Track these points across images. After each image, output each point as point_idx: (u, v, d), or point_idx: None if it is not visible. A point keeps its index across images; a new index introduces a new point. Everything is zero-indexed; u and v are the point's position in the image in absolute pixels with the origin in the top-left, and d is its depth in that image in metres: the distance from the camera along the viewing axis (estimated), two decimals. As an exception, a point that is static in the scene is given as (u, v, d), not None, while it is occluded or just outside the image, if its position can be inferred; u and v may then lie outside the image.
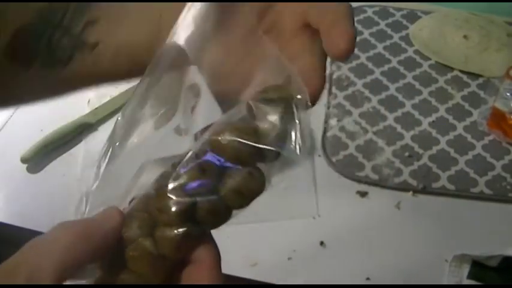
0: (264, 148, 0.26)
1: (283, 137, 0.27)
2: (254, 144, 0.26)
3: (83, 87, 0.37)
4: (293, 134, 0.27)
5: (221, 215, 0.28)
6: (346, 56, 0.31)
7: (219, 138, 0.27)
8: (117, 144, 0.30)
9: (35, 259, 0.24)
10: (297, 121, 0.27)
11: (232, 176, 0.27)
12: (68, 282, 0.25)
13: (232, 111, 0.28)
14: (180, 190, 0.26)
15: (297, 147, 0.27)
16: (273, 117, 0.27)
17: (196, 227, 0.27)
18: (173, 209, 0.26)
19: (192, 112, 0.29)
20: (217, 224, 0.28)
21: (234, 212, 0.28)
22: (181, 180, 0.27)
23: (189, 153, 0.27)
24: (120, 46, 0.34)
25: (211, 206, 0.27)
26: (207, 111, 0.29)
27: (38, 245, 0.25)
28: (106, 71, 0.35)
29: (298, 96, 0.27)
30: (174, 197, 0.26)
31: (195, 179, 0.27)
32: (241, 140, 0.26)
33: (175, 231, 0.26)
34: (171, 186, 0.27)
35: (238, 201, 0.27)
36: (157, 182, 0.28)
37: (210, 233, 0.29)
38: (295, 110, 0.27)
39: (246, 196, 0.27)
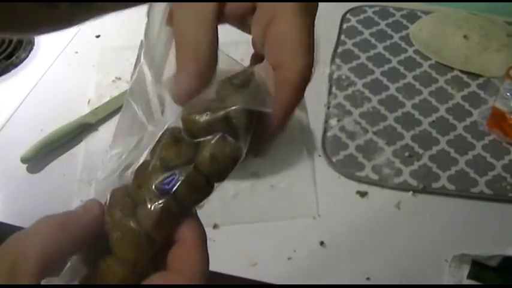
0: (231, 117, 0.27)
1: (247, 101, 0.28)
2: (222, 113, 0.27)
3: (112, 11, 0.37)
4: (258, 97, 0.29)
5: (199, 188, 0.28)
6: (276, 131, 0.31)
7: (190, 114, 0.28)
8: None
9: (18, 249, 0.25)
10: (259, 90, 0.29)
11: (205, 145, 0.27)
12: (53, 279, 0.26)
13: (202, 95, 0.29)
14: (158, 166, 0.27)
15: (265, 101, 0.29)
16: (237, 97, 0.28)
17: (175, 201, 0.27)
18: (151, 182, 0.27)
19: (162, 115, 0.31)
20: (196, 197, 0.28)
21: (216, 185, 0.28)
22: (158, 154, 0.28)
23: (164, 128, 0.28)
24: None
25: (188, 177, 0.27)
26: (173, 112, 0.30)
27: (21, 236, 0.26)
28: None
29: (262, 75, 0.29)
30: (152, 171, 0.27)
31: (170, 150, 0.28)
32: (209, 113, 0.27)
33: (155, 204, 0.27)
34: (148, 162, 0.28)
35: (214, 168, 0.28)
36: (135, 171, 0.29)
37: (195, 213, 0.29)
38: (258, 86, 0.29)
39: (220, 161, 0.27)
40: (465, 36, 0.85)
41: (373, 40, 0.87)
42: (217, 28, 0.30)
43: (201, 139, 0.28)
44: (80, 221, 0.27)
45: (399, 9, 0.93)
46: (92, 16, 0.37)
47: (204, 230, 0.29)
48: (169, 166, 0.27)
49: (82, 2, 0.35)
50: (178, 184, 0.27)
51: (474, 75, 0.81)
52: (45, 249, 0.25)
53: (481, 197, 0.67)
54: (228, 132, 0.28)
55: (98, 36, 0.88)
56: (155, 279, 0.27)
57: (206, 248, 0.28)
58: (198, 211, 0.29)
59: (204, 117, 0.27)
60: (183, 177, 0.27)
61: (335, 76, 0.81)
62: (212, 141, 0.27)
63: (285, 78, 0.30)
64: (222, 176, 0.28)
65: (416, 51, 0.85)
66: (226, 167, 0.28)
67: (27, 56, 0.84)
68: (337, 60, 0.83)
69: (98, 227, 0.28)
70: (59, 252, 0.26)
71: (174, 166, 0.27)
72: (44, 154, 0.70)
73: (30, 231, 0.26)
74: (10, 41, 0.85)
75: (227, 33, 0.32)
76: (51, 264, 0.26)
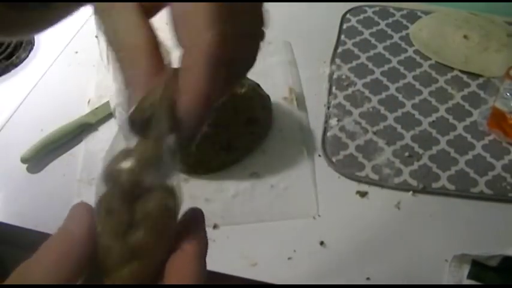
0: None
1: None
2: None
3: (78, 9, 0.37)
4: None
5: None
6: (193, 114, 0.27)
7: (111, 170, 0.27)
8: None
9: (25, 281, 0.24)
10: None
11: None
12: None
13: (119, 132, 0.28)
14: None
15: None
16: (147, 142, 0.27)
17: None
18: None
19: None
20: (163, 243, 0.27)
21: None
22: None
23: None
24: None
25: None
26: None
27: (26, 267, 0.25)
28: None
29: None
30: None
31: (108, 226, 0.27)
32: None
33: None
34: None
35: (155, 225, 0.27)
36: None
37: (201, 223, 0.29)
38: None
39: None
40: (465, 36, 0.85)
41: (373, 40, 0.87)
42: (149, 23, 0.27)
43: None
44: (75, 242, 0.26)
45: (399, 9, 0.93)
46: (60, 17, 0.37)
47: (205, 242, 0.28)
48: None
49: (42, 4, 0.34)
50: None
51: (474, 75, 0.81)
52: (52, 276, 0.25)
53: (481, 197, 0.67)
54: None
55: (97, 36, 0.88)
56: None
57: (204, 259, 0.27)
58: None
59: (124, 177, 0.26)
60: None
61: (335, 76, 0.81)
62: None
63: (188, 62, 0.26)
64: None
65: (416, 51, 0.85)
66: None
67: (27, 56, 0.84)
68: (337, 60, 0.83)
69: (94, 235, 0.27)
70: (65, 281, 0.25)
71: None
72: (44, 154, 0.70)
73: (33, 264, 0.25)
74: (10, 41, 0.85)
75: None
76: None
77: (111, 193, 0.27)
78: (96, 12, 0.28)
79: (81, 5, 0.36)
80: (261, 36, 0.30)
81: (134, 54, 0.26)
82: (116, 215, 0.26)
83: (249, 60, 0.30)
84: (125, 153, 0.27)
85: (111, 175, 0.27)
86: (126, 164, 0.27)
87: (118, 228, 0.26)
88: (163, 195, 0.27)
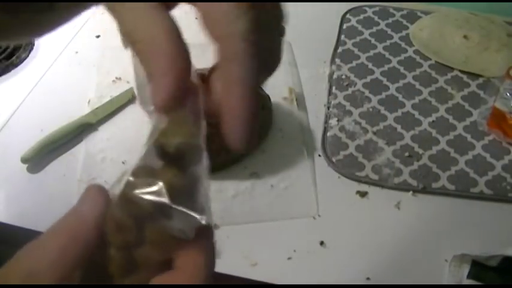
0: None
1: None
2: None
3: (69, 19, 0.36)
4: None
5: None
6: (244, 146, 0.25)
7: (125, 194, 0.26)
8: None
9: (29, 265, 0.24)
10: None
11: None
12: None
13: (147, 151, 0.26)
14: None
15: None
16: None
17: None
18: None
19: None
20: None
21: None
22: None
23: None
24: None
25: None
26: None
27: (32, 250, 0.24)
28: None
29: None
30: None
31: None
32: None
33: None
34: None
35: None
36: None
37: (209, 236, 0.28)
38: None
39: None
40: (465, 36, 0.85)
41: (373, 40, 0.87)
42: (170, 15, 0.25)
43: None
44: (86, 225, 0.25)
45: (399, 9, 0.93)
46: (51, 26, 0.36)
47: (210, 259, 0.27)
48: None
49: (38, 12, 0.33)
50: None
51: (474, 75, 0.81)
52: (58, 264, 0.24)
53: (481, 197, 0.67)
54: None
55: (98, 36, 0.88)
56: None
57: (207, 277, 0.27)
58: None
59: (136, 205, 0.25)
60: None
61: (335, 76, 0.81)
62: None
63: (227, 52, 0.24)
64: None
65: (416, 51, 0.85)
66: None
67: (27, 56, 0.84)
68: (337, 60, 0.83)
69: (103, 220, 0.26)
70: (72, 264, 0.24)
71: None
72: (44, 154, 0.70)
73: (40, 245, 0.25)
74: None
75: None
76: (68, 275, 0.24)
77: (127, 210, 0.26)
78: (108, 6, 0.27)
79: (85, 7, 0.36)
80: (282, 31, 0.29)
81: (153, 46, 0.24)
82: (127, 232, 0.26)
83: (276, 55, 0.29)
84: (148, 172, 0.26)
85: (133, 197, 0.25)
86: (150, 189, 0.25)
87: (125, 243, 0.26)
88: (179, 221, 0.26)
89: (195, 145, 0.26)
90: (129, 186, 0.25)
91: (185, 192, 0.26)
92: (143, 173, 0.26)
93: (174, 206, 0.25)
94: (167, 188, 0.25)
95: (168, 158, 0.26)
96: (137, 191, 0.25)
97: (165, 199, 0.25)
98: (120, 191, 0.26)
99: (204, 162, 0.26)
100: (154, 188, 0.25)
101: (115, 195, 0.26)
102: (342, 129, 0.73)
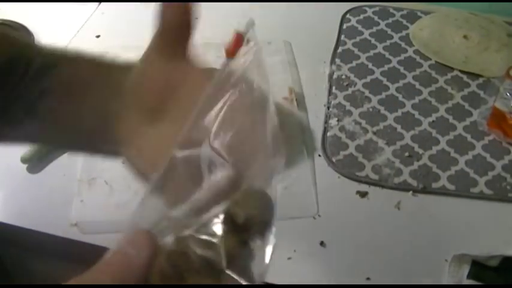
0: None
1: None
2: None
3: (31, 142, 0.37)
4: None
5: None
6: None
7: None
8: None
9: None
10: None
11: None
12: None
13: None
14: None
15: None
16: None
17: None
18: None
19: None
20: None
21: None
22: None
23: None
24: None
25: None
26: None
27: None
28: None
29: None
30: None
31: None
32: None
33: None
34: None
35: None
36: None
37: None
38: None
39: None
40: (465, 36, 0.85)
41: (373, 40, 0.87)
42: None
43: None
44: (133, 269, 0.25)
45: (399, 9, 0.93)
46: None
47: None
48: None
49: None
50: None
51: (474, 75, 0.81)
52: None
53: (481, 197, 0.67)
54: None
55: (98, 36, 0.88)
56: None
57: None
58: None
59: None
60: None
61: (335, 76, 0.81)
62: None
63: None
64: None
65: (416, 51, 0.85)
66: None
67: (27, 56, 0.84)
68: (337, 60, 0.83)
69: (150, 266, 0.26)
70: None
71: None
72: (43, 154, 0.70)
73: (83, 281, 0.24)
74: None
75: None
76: None
77: (172, 263, 0.26)
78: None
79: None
80: None
81: None
82: (168, 281, 0.26)
83: None
84: (209, 234, 0.27)
85: (183, 254, 0.26)
86: (205, 253, 0.26)
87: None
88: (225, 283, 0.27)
89: (263, 221, 0.28)
90: (186, 241, 0.26)
91: (240, 261, 0.27)
92: (203, 233, 0.27)
93: (228, 271, 0.26)
94: (225, 254, 0.26)
95: (235, 226, 0.27)
96: (195, 247, 0.26)
97: (223, 262, 0.26)
98: (175, 243, 0.26)
99: (270, 239, 0.28)
100: (213, 250, 0.26)
101: (166, 245, 0.26)
102: (342, 129, 0.73)
